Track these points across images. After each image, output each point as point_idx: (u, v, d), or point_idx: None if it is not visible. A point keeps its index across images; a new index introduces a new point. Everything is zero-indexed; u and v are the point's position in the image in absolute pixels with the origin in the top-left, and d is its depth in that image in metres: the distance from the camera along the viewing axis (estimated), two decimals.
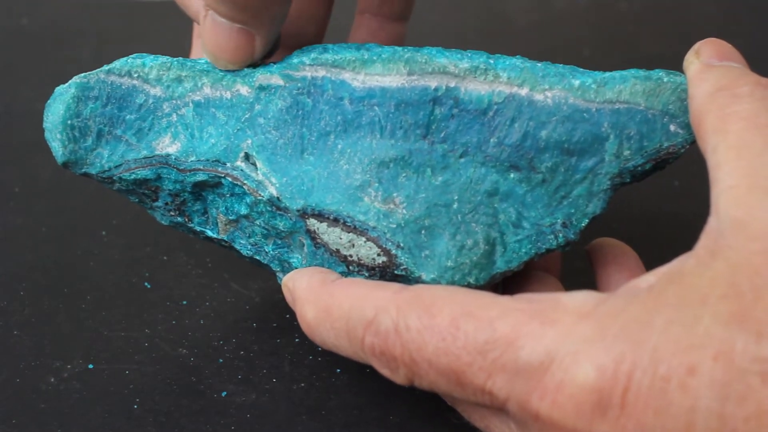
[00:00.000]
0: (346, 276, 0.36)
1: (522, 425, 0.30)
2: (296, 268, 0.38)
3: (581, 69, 0.36)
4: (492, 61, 0.36)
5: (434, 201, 0.35)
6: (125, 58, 0.38)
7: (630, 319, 0.28)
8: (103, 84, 0.37)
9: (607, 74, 0.36)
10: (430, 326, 0.30)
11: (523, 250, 0.36)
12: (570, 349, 0.28)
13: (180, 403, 0.39)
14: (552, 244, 0.36)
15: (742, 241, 0.28)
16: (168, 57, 0.38)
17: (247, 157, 0.37)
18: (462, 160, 0.36)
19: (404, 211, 0.35)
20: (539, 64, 0.36)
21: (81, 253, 0.47)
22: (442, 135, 0.36)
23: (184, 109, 0.38)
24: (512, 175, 0.36)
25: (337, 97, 0.36)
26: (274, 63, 0.38)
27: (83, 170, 0.38)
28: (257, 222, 0.38)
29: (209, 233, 0.39)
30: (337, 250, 0.36)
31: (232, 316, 0.43)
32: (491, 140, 0.36)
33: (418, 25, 0.47)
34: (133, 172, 0.38)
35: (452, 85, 0.36)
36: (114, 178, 0.38)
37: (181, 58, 0.38)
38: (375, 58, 0.36)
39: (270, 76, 0.37)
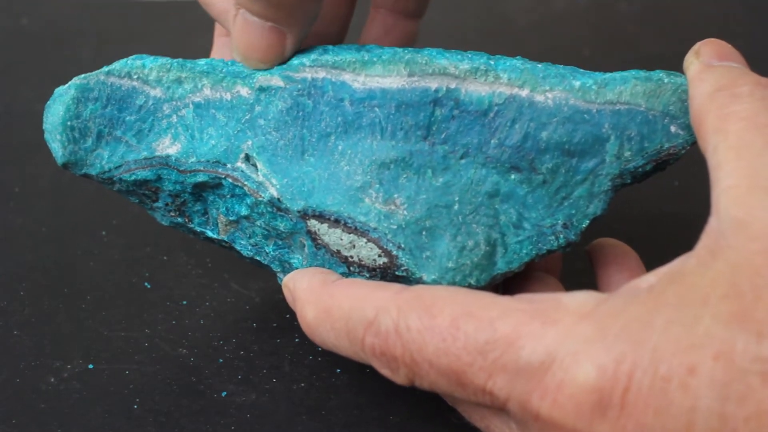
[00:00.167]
0: (346, 277, 0.36)
1: (522, 425, 0.30)
2: (297, 268, 0.38)
3: (582, 70, 0.36)
4: (492, 62, 0.36)
5: (435, 202, 0.35)
6: (125, 60, 0.38)
7: (630, 319, 0.28)
8: (103, 85, 0.37)
9: (608, 75, 0.36)
10: (431, 326, 0.30)
11: (524, 251, 0.36)
12: (570, 349, 0.28)
13: (180, 403, 0.39)
14: (553, 245, 0.36)
15: (742, 241, 0.28)
16: (168, 58, 0.38)
17: (247, 158, 0.37)
18: (463, 161, 0.36)
19: (405, 212, 0.35)
20: (540, 65, 0.36)
21: (81, 253, 0.47)
22: (443, 136, 0.36)
23: (184, 111, 0.38)
24: (513, 176, 0.36)
25: (337, 98, 0.36)
26: None
27: (83, 171, 0.38)
28: (258, 223, 0.38)
29: (209, 234, 0.39)
30: (338, 251, 0.36)
31: (232, 316, 0.43)
32: (492, 141, 0.36)
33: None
34: (133, 173, 0.38)
35: (453, 86, 0.36)
36: (114, 179, 0.38)
37: (181, 59, 0.38)
38: (375, 59, 0.36)
39: (270, 78, 0.37)
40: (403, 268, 0.35)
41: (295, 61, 0.37)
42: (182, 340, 0.42)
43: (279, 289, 0.38)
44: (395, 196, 0.35)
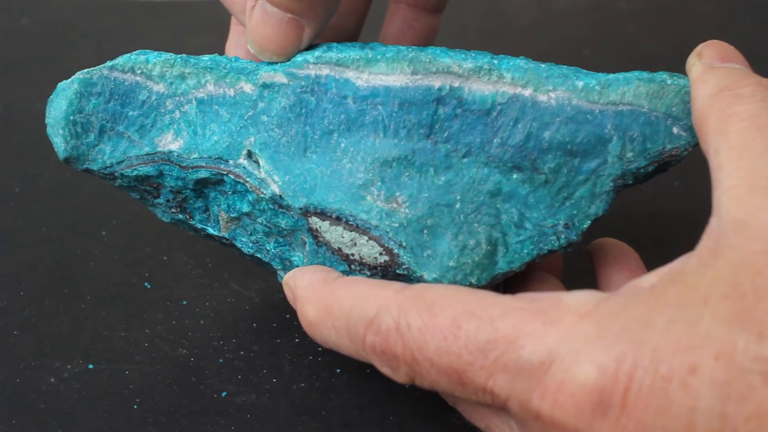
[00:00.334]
0: (347, 275, 0.35)
1: (523, 425, 0.30)
2: (297, 266, 0.38)
3: (585, 70, 0.36)
4: (496, 62, 0.36)
5: (437, 201, 0.35)
6: (128, 55, 0.38)
7: (631, 319, 0.28)
8: (106, 80, 0.37)
9: (611, 76, 0.36)
10: (432, 325, 0.30)
11: (525, 251, 0.36)
12: (571, 348, 0.28)
13: (180, 403, 0.39)
14: (554, 245, 0.36)
15: (743, 241, 0.28)
16: (171, 54, 0.38)
17: (249, 154, 0.37)
18: (465, 160, 0.36)
19: (407, 211, 0.35)
20: (543, 65, 0.36)
21: (81, 253, 0.47)
22: (446, 135, 0.36)
23: (187, 106, 0.38)
24: (515, 176, 0.36)
25: (340, 95, 0.36)
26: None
27: (85, 166, 0.38)
28: (259, 220, 0.38)
29: (210, 231, 0.39)
30: (339, 249, 0.36)
31: (232, 316, 0.43)
32: (494, 140, 0.36)
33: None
34: (134, 169, 0.38)
35: (456, 85, 0.36)
36: (116, 174, 0.38)
37: (184, 55, 0.38)
38: (379, 57, 0.36)
39: (274, 74, 0.37)
40: (404, 267, 0.35)
41: (298, 58, 0.37)
42: (182, 340, 0.42)
43: (279, 289, 0.38)
44: (397, 194, 0.35)
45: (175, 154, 0.38)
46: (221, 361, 0.41)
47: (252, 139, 0.37)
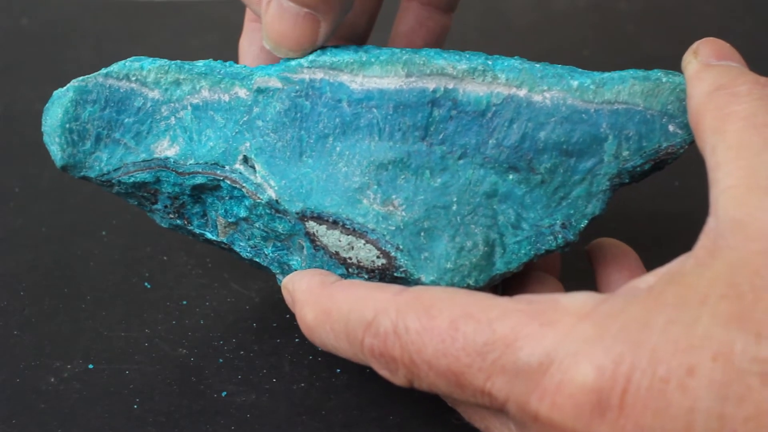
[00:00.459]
0: (345, 278, 0.36)
1: (521, 426, 0.30)
2: (296, 270, 0.38)
3: (580, 70, 0.36)
4: (490, 63, 0.36)
5: (433, 203, 0.35)
6: (123, 62, 0.38)
7: (629, 320, 0.28)
8: (102, 87, 0.37)
9: (606, 75, 0.36)
10: (430, 328, 0.30)
11: (523, 252, 0.36)
12: (569, 350, 0.28)
13: (180, 403, 0.39)
14: (551, 245, 0.36)
15: (741, 241, 0.28)
16: (166, 60, 0.38)
17: (245, 159, 0.37)
18: (461, 161, 0.36)
19: (403, 213, 0.35)
20: (537, 65, 0.36)
21: (81, 253, 0.47)
22: (441, 137, 0.36)
23: (182, 112, 0.38)
24: (511, 177, 0.36)
25: (335, 99, 0.36)
26: (272, 65, 0.38)
27: (82, 174, 0.38)
28: (256, 224, 0.38)
29: (209, 236, 0.39)
30: (337, 253, 0.36)
31: (232, 316, 0.43)
32: (490, 141, 0.36)
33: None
34: (131, 176, 0.38)
35: (450, 86, 0.36)
36: (113, 181, 0.38)
37: (178, 61, 0.38)
38: (373, 60, 0.36)
39: (268, 79, 0.37)
40: (401, 269, 0.35)
41: (292, 62, 0.37)
42: (182, 340, 0.42)
43: (279, 289, 0.38)
44: (393, 197, 0.35)
45: (172, 160, 0.38)
46: (221, 361, 0.41)
47: (247, 144, 0.37)
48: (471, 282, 0.35)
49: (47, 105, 0.37)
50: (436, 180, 0.35)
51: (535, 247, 0.36)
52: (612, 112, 0.35)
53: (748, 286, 0.27)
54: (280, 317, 0.43)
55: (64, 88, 0.37)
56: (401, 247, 0.35)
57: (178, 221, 0.39)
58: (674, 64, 0.37)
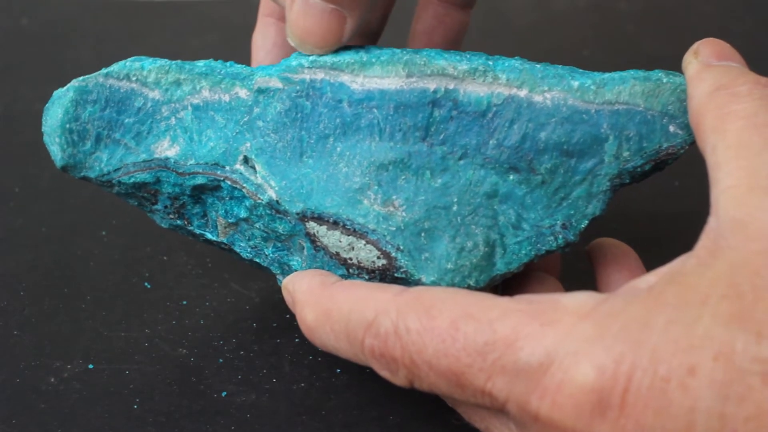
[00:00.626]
0: (346, 279, 0.35)
1: (522, 426, 0.30)
2: (296, 270, 0.38)
3: (580, 70, 0.36)
4: (491, 63, 0.36)
5: (434, 203, 0.35)
6: (123, 62, 0.38)
7: (630, 320, 0.28)
8: (102, 87, 0.37)
9: (606, 75, 0.36)
10: (430, 328, 0.30)
11: (523, 252, 0.36)
12: (570, 349, 0.28)
13: (180, 403, 0.39)
14: (552, 245, 0.36)
15: (742, 241, 0.28)
16: (166, 60, 0.38)
17: (246, 160, 0.37)
18: (461, 162, 0.36)
19: (404, 214, 0.35)
20: (538, 66, 0.36)
21: (81, 253, 0.47)
22: (441, 137, 0.36)
23: (182, 113, 0.38)
24: (511, 177, 0.36)
25: (335, 99, 0.36)
26: (273, 66, 0.38)
27: (82, 174, 0.38)
28: (257, 225, 0.38)
29: (209, 236, 0.39)
30: (337, 253, 0.36)
31: (232, 316, 0.43)
32: (490, 142, 0.36)
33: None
34: (132, 176, 0.38)
35: (451, 87, 0.36)
36: (113, 181, 0.38)
37: (179, 61, 0.38)
38: (374, 60, 0.36)
39: (269, 79, 0.37)
40: (402, 270, 0.35)
41: (293, 62, 0.37)
42: (182, 340, 0.42)
43: (279, 290, 0.38)
44: (394, 197, 0.35)
45: (172, 160, 0.38)
46: (221, 361, 0.41)
47: (248, 144, 0.37)
48: (471, 282, 0.35)
49: (47, 105, 0.37)
50: (437, 180, 0.35)
51: (535, 248, 0.36)
52: (612, 112, 0.35)
53: (749, 286, 0.27)
54: (280, 317, 0.43)
55: (65, 88, 0.37)
56: (402, 247, 0.35)
57: (179, 221, 0.39)
58: (674, 65, 0.37)
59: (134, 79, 0.38)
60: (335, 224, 0.35)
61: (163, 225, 0.40)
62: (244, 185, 0.37)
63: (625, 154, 0.36)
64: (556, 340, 0.28)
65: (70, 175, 0.38)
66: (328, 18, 0.36)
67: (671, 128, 0.36)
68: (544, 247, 0.36)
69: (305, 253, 0.37)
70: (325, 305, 0.33)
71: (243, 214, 0.38)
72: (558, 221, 0.36)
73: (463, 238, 0.35)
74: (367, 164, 0.36)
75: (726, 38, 0.35)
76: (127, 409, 0.39)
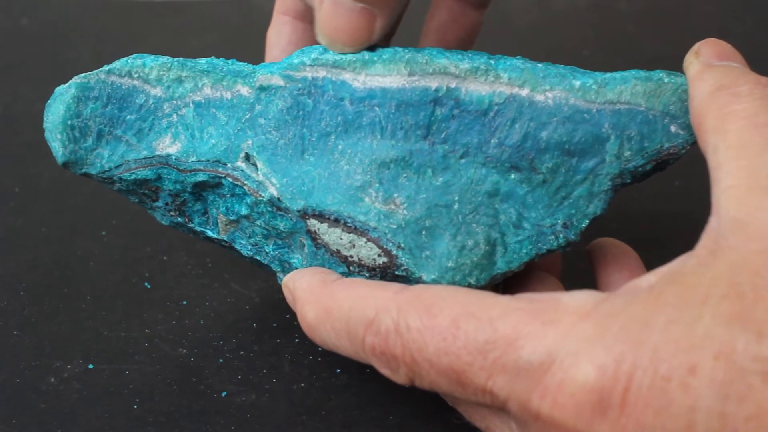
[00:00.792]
0: (346, 276, 0.36)
1: (522, 425, 0.30)
2: (297, 268, 0.38)
3: (582, 69, 0.36)
4: (493, 62, 0.36)
5: (435, 201, 0.35)
6: (125, 59, 0.38)
7: (630, 319, 0.28)
8: (104, 84, 0.37)
9: (608, 75, 0.36)
10: (431, 326, 0.30)
11: (524, 251, 0.36)
12: (570, 348, 0.28)
13: (180, 403, 0.39)
14: (552, 244, 0.36)
15: (742, 241, 0.28)
16: (168, 57, 0.38)
17: (247, 157, 0.37)
18: (463, 160, 0.36)
19: (405, 212, 0.35)
20: (540, 65, 0.36)
21: (81, 253, 0.47)
22: (443, 135, 0.36)
23: (184, 110, 0.38)
24: (513, 176, 0.36)
25: (337, 97, 0.36)
26: (275, 63, 0.38)
27: (83, 170, 0.38)
28: (258, 222, 0.38)
29: (209, 233, 0.39)
30: (338, 251, 0.36)
31: (232, 316, 0.43)
32: (492, 141, 0.36)
33: (418, 25, 0.47)
34: (133, 173, 0.38)
35: (453, 85, 0.36)
36: (114, 178, 0.38)
37: (181, 58, 0.38)
38: (376, 58, 0.36)
39: (270, 77, 0.37)
40: (402, 268, 0.35)
41: (295, 60, 0.37)
42: (182, 340, 0.42)
43: (279, 289, 0.38)
44: (395, 195, 0.35)
45: (173, 157, 0.38)
46: (221, 361, 0.41)
47: (249, 141, 0.37)
48: (472, 281, 0.35)
49: (49, 101, 0.37)
50: (438, 179, 0.35)
51: (536, 247, 0.36)
52: (614, 112, 0.35)
53: (749, 285, 0.27)
54: (280, 317, 0.43)
55: (66, 84, 0.37)
56: (402, 245, 0.35)
57: (179, 219, 0.39)
58: (674, 65, 0.37)
59: (136, 76, 0.38)
60: (336, 222, 0.35)
61: (163, 222, 0.40)
62: (246, 182, 0.37)
63: (627, 153, 0.36)
64: (557, 339, 0.28)
65: (70, 174, 0.38)
66: (358, 17, 0.36)
67: (672, 128, 0.36)
68: (545, 246, 0.36)
69: (306, 250, 0.37)
70: (325, 303, 0.33)
71: (244, 211, 0.38)
72: (559, 220, 0.36)
73: (464, 236, 0.35)
74: (368, 162, 0.36)
75: (726, 38, 0.35)
76: (127, 409, 0.39)
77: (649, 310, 0.28)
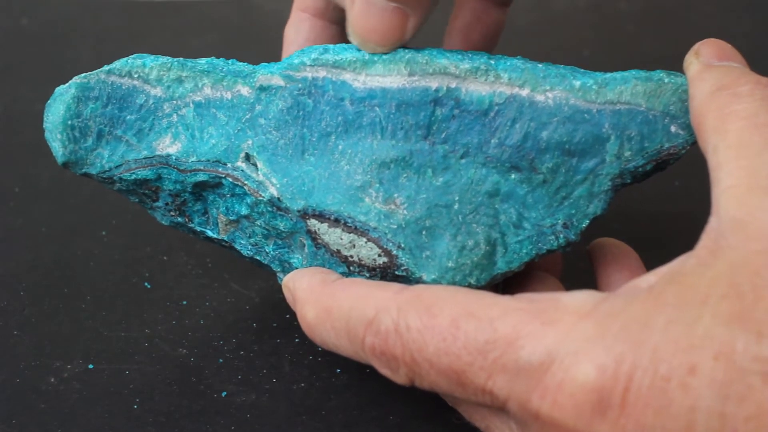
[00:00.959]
0: (346, 276, 0.36)
1: (522, 425, 0.30)
2: (297, 268, 0.38)
3: (582, 70, 0.36)
4: (493, 62, 0.36)
5: (435, 202, 0.35)
6: (125, 59, 0.38)
7: (630, 319, 0.28)
8: (104, 84, 0.37)
9: (608, 75, 0.36)
10: (431, 326, 0.30)
11: (524, 251, 0.36)
12: (570, 348, 0.28)
13: (180, 403, 0.39)
14: (553, 244, 0.36)
15: (742, 241, 0.28)
16: (168, 57, 0.38)
17: (247, 157, 0.37)
18: (463, 160, 0.36)
19: (405, 212, 0.35)
20: (540, 65, 0.36)
21: (81, 253, 0.47)
22: (443, 136, 0.36)
23: (184, 110, 0.38)
24: (513, 176, 0.36)
25: (337, 97, 0.36)
26: (275, 63, 0.38)
27: (83, 170, 0.38)
28: (258, 222, 0.38)
29: (210, 233, 0.39)
30: (338, 251, 0.36)
31: (232, 316, 0.43)
32: (492, 141, 0.36)
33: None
34: (133, 173, 0.38)
35: (453, 85, 0.36)
36: (114, 178, 0.38)
37: (181, 58, 0.38)
38: (376, 58, 0.36)
39: (271, 77, 0.37)
40: (402, 268, 0.35)
41: (295, 60, 0.37)
42: (182, 340, 0.42)
43: (279, 289, 0.38)
44: (395, 195, 0.35)
45: (174, 157, 0.38)
46: (221, 361, 0.41)
47: (250, 141, 0.37)
48: (472, 281, 0.35)
49: (49, 101, 0.37)
50: (438, 179, 0.35)
51: (536, 247, 0.36)
52: (614, 112, 0.35)
53: (749, 285, 0.27)
54: (280, 317, 0.43)
55: (66, 84, 0.37)
56: (403, 245, 0.35)
57: (179, 219, 0.39)
58: (674, 65, 0.37)
59: (136, 76, 0.38)
60: (336, 222, 0.36)
61: (163, 222, 0.40)
62: (246, 182, 0.37)
63: (627, 153, 0.36)
64: (557, 339, 0.28)
65: (70, 174, 0.38)
66: (390, 16, 0.36)
67: (673, 128, 0.36)
68: (545, 247, 0.36)
69: (306, 250, 0.37)
70: (325, 303, 0.33)
71: (244, 211, 0.38)
72: (559, 220, 0.36)
73: (465, 236, 0.35)
74: (368, 162, 0.36)
75: (726, 38, 0.35)
76: (127, 409, 0.39)
77: (649, 310, 0.28)
